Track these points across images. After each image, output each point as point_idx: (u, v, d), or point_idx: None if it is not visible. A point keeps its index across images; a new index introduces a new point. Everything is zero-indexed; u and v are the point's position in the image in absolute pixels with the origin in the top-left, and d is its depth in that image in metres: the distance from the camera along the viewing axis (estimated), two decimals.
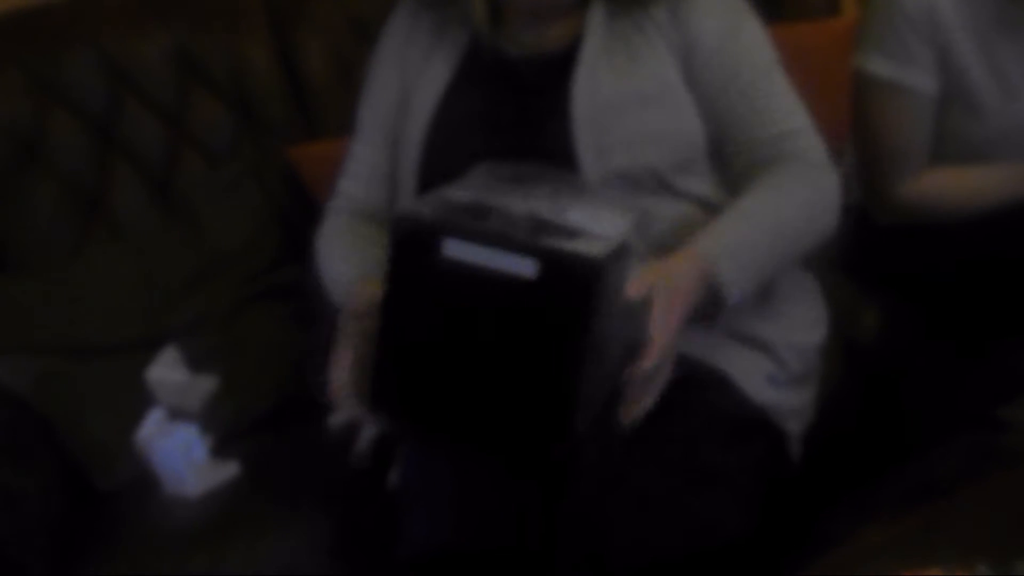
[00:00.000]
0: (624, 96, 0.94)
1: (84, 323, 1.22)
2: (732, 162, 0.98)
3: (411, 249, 0.78)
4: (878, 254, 1.20)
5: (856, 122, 1.14)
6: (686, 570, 0.80)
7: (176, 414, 1.11)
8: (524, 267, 0.75)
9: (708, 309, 0.87)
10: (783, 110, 0.97)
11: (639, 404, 0.80)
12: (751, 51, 0.97)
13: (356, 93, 1.41)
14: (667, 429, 0.83)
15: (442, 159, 0.98)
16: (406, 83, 1.05)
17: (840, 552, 0.71)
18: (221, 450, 1.10)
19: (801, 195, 0.94)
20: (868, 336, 1.19)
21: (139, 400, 1.12)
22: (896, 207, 1.15)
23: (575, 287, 0.74)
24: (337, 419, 1.15)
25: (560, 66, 0.97)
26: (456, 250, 0.76)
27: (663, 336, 0.80)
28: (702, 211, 0.96)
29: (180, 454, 1.07)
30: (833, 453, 1.09)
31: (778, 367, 0.96)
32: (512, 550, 0.81)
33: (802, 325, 1.00)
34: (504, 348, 0.76)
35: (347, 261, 1.02)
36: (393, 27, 1.09)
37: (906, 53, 1.08)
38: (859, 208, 1.19)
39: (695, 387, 0.88)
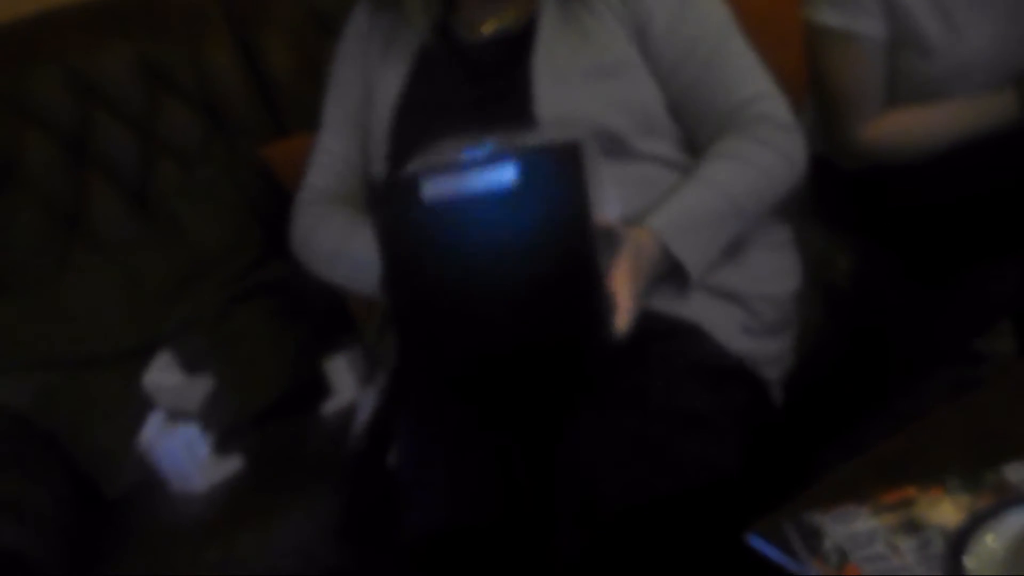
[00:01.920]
0: (581, 67, 0.97)
1: (76, 337, 1.23)
2: (698, 130, 1.00)
3: (394, 206, 0.79)
4: (846, 199, 1.22)
5: (811, 72, 1.17)
6: (679, 512, 0.83)
7: (176, 416, 1.13)
8: (504, 174, 0.76)
9: (674, 277, 0.91)
10: (743, 77, 0.99)
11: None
12: (706, 21, 0.99)
13: (322, 88, 1.44)
14: (648, 379, 0.86)
15: (410, 145, 1.00)
16: (368, 79, 1.08)
17: (826, 480, 0.74)
18: (223, 446, 1.12)
19: (763, 161, 0.97)
20: (844, 280, 1.22)
21: (138, 406, 1.14)
22: (858, 151, 1.17)
23: (560, 171, 0.76)
24: (332, 406, 1.18)
25: (515, 47, 1.00)
26: (435, 188, 0.77)
27: (622, 291, 0.83)
28: (667, 170, 0.99)
29: (183, 453, 1.09)
30: (819, 396, 1.12)
31: (751, 317, 0.98)
32: (507, 524, 0.83)
33: (774, 276, 1.02)
34: (514, 259, 0.77)
35: (363, 233, 0.97)
36: (352, 26, 1.11)
37: (854, 1, 1.10)
38: (824, 156, 1.21)
39: (672, 339, 0.91)
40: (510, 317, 0.79)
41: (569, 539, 0.82)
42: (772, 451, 0.94)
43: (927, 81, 1.14)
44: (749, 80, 0.99)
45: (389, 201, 0.80)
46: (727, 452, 0.87)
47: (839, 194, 1.23)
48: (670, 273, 0.93)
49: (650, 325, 0.88)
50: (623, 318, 0.81)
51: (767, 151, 0.97)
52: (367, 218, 1.02)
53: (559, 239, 0.77)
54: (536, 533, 0.83)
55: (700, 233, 0.92)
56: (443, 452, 0.86)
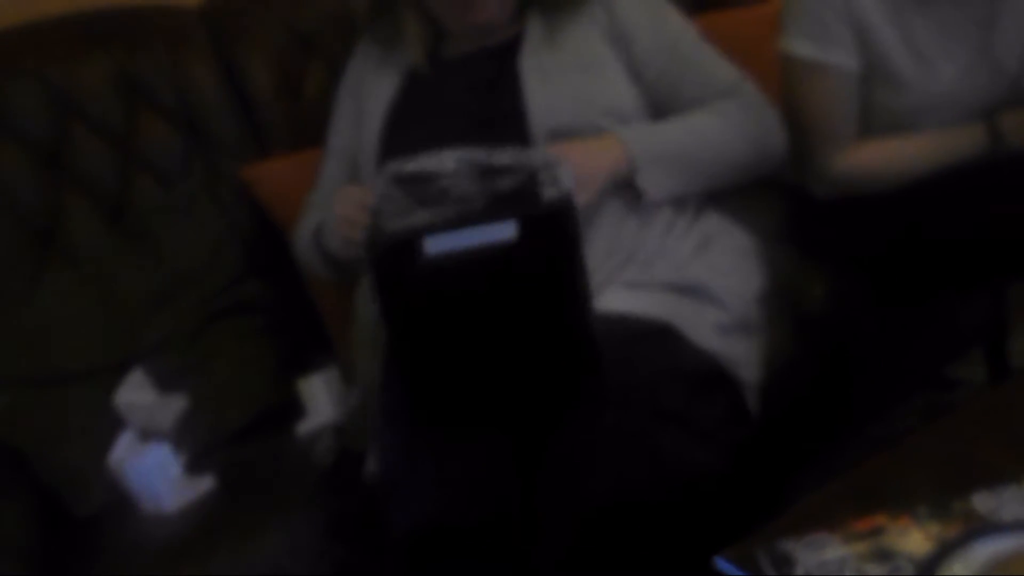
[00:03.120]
0: (565, 64, 1.07)
1: (49, 353, 1.22)
2: None
3: (395, 262, 0.81)
4: (820, 227, 1.24)
5: (786, 102, 1.19)
6: (664, 512, 0.84)
7: (148, 435, 1.12)
8: (504, 231, 0.80)
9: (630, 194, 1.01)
10: (719, 70, 1.12)
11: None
12: (680, 32, 1.13)
13: (303, 104, 1.44)
14: (629, 379, 0.88)
15: (401, 151, 1.04)
16: (360, 98, 1.15)
17: (797, 507, 0.75)
18: (195, 466, 1.11)
19: (733, 116, 1.09)
20: (816, 306, 1.23)
21: (110, 425, 1.13)
22: (832, 180, 1.19)
23: (557, 228, 0.82)
24: (306, 426, 1.17)
25: (503, 53, 1.09)
26: (437, 244, 0.80)
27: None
28: None
29: (154, 473, 1.08)
30: (791, 420, 1.13)
31: (720, 312, 1.02)
32: (495, 520, 0.84)
33: (737, 272, 1.07)
34: (511, 306, 0.82)
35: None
36: (352, 66, 1.21)
37: (826, 34, 1.12)
38: (798, 184, 1.23)
39: (649, 341, 0.94)
40: (507, 362, 0.84)
41: (554, 538, 0.83)
42: (749, 463, 0.95)
43: (898, 113, 1.16)
44: (725, 72, 1.12)
45: (390, 260, 0.82)
46: (708, 451, 0.88)
47: (813, 222, 1.25)
48: (630, 199, 1.02)
49: (627, 327, 0.92)
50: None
51: (742, 113, 1.09)
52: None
53: (557, 289, 0.83)
54: (524, 532, 0.84)
55: (664, 157, 1.03)
56: (431, 451, 0.87)
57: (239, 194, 1.37)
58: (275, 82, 1.44)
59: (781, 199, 1.22)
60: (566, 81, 1.05)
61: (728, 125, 1.08)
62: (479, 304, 0.82)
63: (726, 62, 1.13)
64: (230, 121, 1.42)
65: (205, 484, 1.10)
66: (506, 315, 0.82)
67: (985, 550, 0.64)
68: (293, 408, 1.18)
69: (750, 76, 1.14)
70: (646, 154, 1.03)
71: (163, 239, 1.32)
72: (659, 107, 1.10)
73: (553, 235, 0.81)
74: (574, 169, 0.95)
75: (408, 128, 1.09)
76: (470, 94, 1.09)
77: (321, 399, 1.17)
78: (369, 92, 1.14)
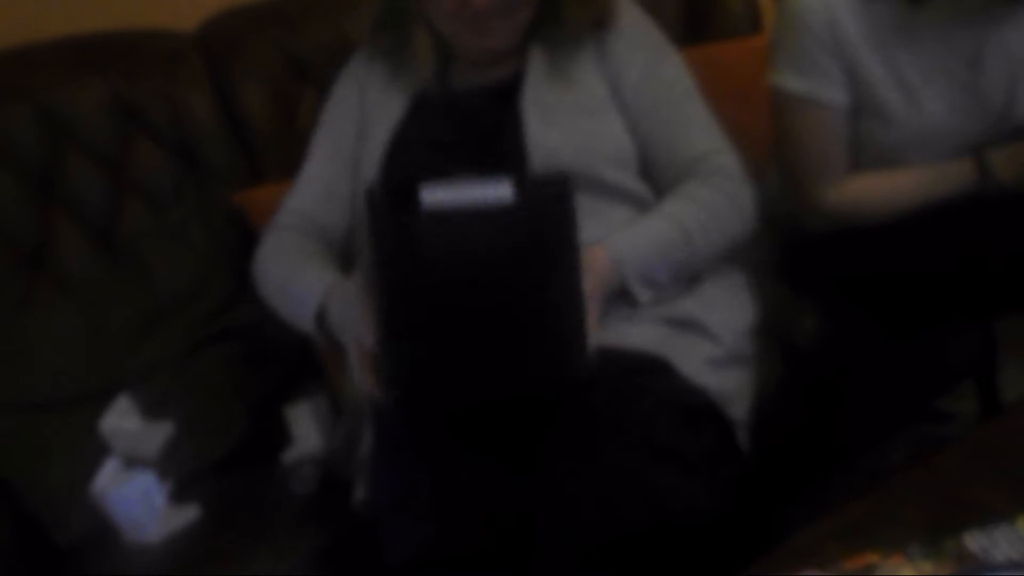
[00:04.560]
0: (566, 106, 1.06)
1: (34, 378, 1.20)
2: (659, 181, 1.08)
3: (392, 210, 0.80)
4: (811, 260, 1.24)
5: (777, 136, 1.20)
6: (658, 545, 0.83)
7: (133, 463, 1.11)
8: (502, 190, 0.79)
9: (625, 298, 0.98)
10: (700, 134, 1.08)
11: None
12: (671, 84, 1.10)
13: (297, 132, 1.44)
14: (623, 414, 0.88)
15: (401, 180, 1.04)
16: (364, 117, 1.12)
17: (788, 544, 0.74)
18: (180, 494, 1.10)
19: (711, 200, 1.04)
20: (807, 339, 1.24)
21: (94, 452, 1.11)
22: (823, 213, 1.20)
23: (553, 198, 0.80)
24: (293, 454, 1.16)
25: (506, 92, 1.07)
26: (434, 196, 0.79)
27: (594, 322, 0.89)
28: (637, 209, 1.06)
29: (138, 502, 1.06)
30: (782, 453, 1.13)
31: (713, 345, 1.02)
32: (491, 547, 0.84)
33: (728, 306, 1.07)
34: (504, 274, 0.80)
35: (313, 270, 1.05)
36: (347, 75, 1.17)
37: (815, 68, 1.13)
38: (789, 217, 1.24)
39: (643, 374, 0.93)
40: (498, 333, 0.82)
41: (549, 569, 0.82)
42: (740, 498, 0.94)
43: (887, 148, 1.17)
44: (706, 137, 1.08)
45: (387, 206, 0.81)
46: (701, 487, 0.88)
47: (803, 254, 1.25)
48: (618, 296, 0.99)
49: (620, 361, 0.92)
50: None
51: (718, 195, 1.05)
52: (318, 254, 1.07)
53: (551, 259, 0.81)
54: (519, 561, 0.83)
55: (649, 256, 1.00)
56: (427, 479, 0.87)
57: (231, 220, 1.37)
58: (269, 108, 1.45)
59: (772, 232, 1.22)
60: (568, 124, 1.04)
61: (712, 219, 1.03)
62: (472, 269, 0.80)
63: (712, 125, 1.09)
64: (223, 147, 1.42)
65: (190, 513, 1.09)
66: (500, 290, 0.81)
67: None
68: (281, 435, 1.17)
69: (739, 112, 1.13)
70: (635, 270, 0.99)
71: (153, 264, 1.32)
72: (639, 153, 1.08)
73: (550, 203, 0.80)
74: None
75: (408, 161, 1.08)
76: (472, 132, 1.08)
77: (307, 427, 1.16)
78: (374, 115, 1.12)
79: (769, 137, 1.22)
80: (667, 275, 1.01)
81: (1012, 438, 0.85)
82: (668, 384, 0.94)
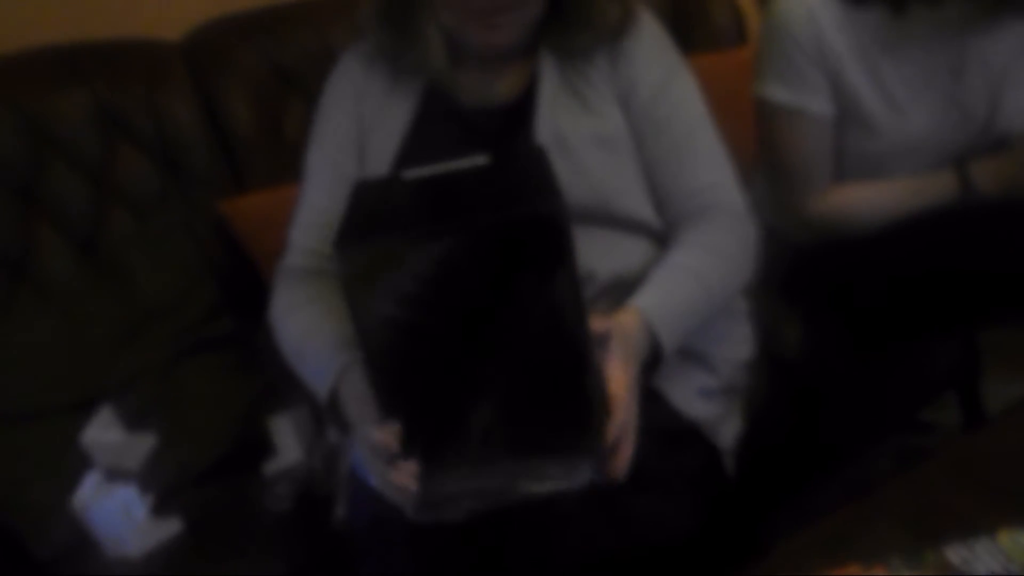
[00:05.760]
0: (580, 136, 0.99)
1: (14, 388, 1.19)
2: (661, 207, 1.03)
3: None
4: (796, 271, 1.25)
5: (762, 146, 1.20)
6: (631, 571, 0.82)
7: (114, 474, 1.10)
8: (477, 161, 0.75)
9: (648, 360, 0.90)
10: (706, 164, 1.03)
11: (622, 456, 0.80)
12: (681, 107, 1.03)
13: (282, 140, 1.43)
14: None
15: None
16: (363, 127, 1.05)
17: (771, 556, 0.74)
18: (162, 507, 1.09)
19: (728, 250, 1.00)
20: (792, 350, 1.24)
21: (76, 463, 1.10)
22: (807, 223, 1.20)
23: (548, 232, 0.72)
24: (274, 467, 1.15)
25: (515, 114, 1.02)
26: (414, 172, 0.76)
27: (624, 390, 0.81)
28: (645, 240, 1.01)
29: (119, 515, 1.05)
30: (766, 465, 1.13)
31: (710, 376, 1.00)
32: (467, 571, 0.82)
33: (733, 339, 1.05)
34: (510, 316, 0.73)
35: (326, 345, 0.95)
36: (342, 76, 1.09)
37: (801, 79, 1.14)
38: (774, 228, 1.24)
39: None
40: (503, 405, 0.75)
41: None
42: (723, 518, 0.94)
43: (871, 158, 1.17)
44: (711, 168, 1.03)
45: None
46: (681, 513, 0.87)
47: (788, 265, 1.25)
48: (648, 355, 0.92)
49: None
50: (620, 408, 0.79)
51: (732, 242, 1.01)
52: (331, 312, 0.97)
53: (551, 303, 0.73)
54: None
55: (679, 319, 0.93)
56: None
57: (215, 228, 1.36)
58: (254, 117, 1.44)
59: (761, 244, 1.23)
60: (582, 157, 0.98)
61: (729, 270, 0.99)
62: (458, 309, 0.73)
63: (719, 154, 1.04)
64: (208, 155, 1.42)
65: (171, 527, 1.08)
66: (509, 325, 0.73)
67: None
68: (265, 446, 1.17)
69: (724, 123, 1.08)
70: (671, 341, 0.92)
71: (136, 273, 1.31)
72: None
73: (546, 239, 0.70)
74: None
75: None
76: (482, 155, 1.00)
77: (289, 439, 1.15)
78: (378, 123, 1.04)
79: (753, 149, 1.22)
80: (689, 334, 0.95)
81: (994, 450, 0.85)
82: (655, 411, 0.91)
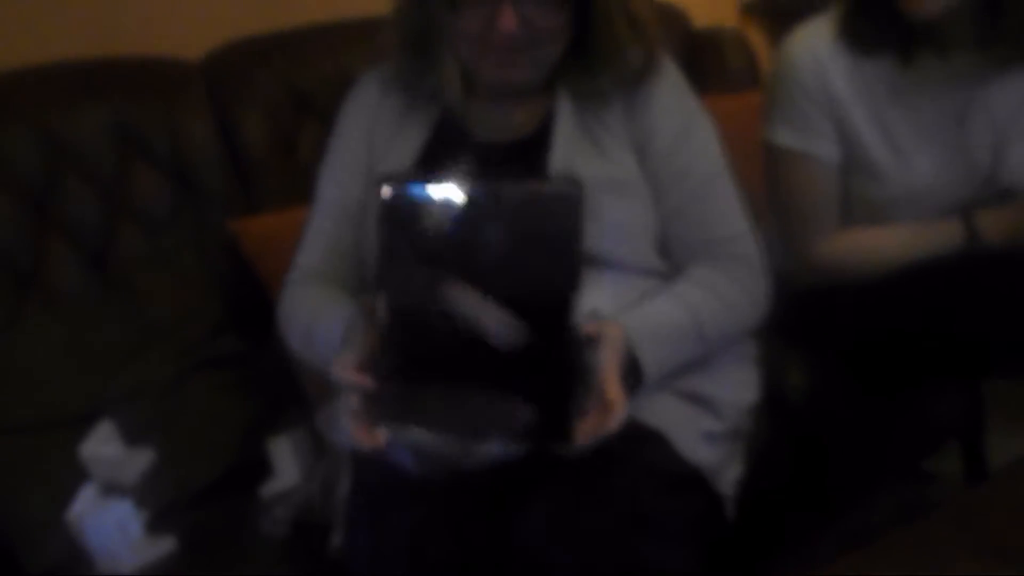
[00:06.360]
0: (596, 181, 0.96)
1: (16, 399, 1.19)
2: (676, 256, 1.03)
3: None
4: (801, 315, 1.25)
5: (770, 190, 1.21)
6: None
7: (111, 489, 1.09)
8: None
9: (629, 379, 0.91)
10: (725, 216, 1.03)
11: (589, 423, 0.82)
12: (701, 156, 1.03)
13: (295, 163, 1.45)
14: (608, 480, 0.86)
15: None
16: (374, 152, 1.06)
17: None
18: (157, 524, 1.08)
19: (727, 292, 1.00)
20: (796, 394, 1.23)
21: (73, 476, 1.10)
22: (813, 267, 1.20)
23: (566, 205, 0.81)
24: (272, 488, 1.15)
25: (526, 150, 1.02)
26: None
27: (616, 388, 0.84)
28: (652, 282, 1.01)
29: (114, 531, 1.05)
30: (767, 509, 1.12)
31: (715, 421, 1.00)
32: None
33: (738, 384, 1.05)
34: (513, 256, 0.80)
35: (333, 310, 0.99)
36: (357, 100, 1.10)
37: (808, 125, 1.15)
38: (779, 271, 1.24)
39: (634, 443, 0.91)
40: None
41: None
42: (722, 565, 0.93)
43: (876, 204, 1.18)
44: (729, 219, 1.03)
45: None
46: (682, 557, 0.87)
47: (794, 309, 1.25)
48: (628, 373, 0.93)
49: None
50: (618, 415, 0.83)
51: (736, 289, 1.01)
52: (337, 297, 1.02)
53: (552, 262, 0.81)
54: None
55: (663, 343, 0.94)
56: (405, 535, 0.85)
57: (225, 248, 1.37)
58: (269, 139, 1.45)
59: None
60: (595, 203, 0.94)
61: (725, 311, 0.99)
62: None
63: (737, 206, 1.03)
64: (221, 175, 1.43)
65: (166, 545, 1.07)
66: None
67: None
68: (263, 467, 1.16)
69: (736, 165, 1.08)
70: (651, 357, 0.94)
71: (143, 289, 1.32)
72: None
73: (567, 211, 0.81)
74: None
75: None
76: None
77: (287, 461, 1.15)
78: (389, 150, 1.05)
79: (760, 195, 1.23)
80: (674, 363, 0.96)
81: (996, 506, 0.85)
82: (658, 454, 0.92)
